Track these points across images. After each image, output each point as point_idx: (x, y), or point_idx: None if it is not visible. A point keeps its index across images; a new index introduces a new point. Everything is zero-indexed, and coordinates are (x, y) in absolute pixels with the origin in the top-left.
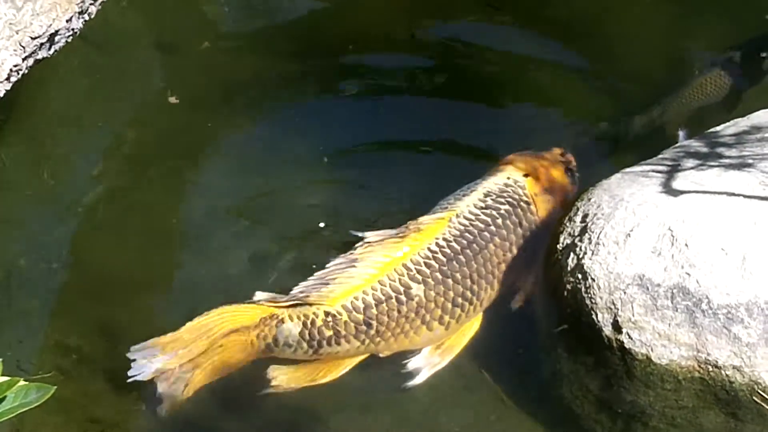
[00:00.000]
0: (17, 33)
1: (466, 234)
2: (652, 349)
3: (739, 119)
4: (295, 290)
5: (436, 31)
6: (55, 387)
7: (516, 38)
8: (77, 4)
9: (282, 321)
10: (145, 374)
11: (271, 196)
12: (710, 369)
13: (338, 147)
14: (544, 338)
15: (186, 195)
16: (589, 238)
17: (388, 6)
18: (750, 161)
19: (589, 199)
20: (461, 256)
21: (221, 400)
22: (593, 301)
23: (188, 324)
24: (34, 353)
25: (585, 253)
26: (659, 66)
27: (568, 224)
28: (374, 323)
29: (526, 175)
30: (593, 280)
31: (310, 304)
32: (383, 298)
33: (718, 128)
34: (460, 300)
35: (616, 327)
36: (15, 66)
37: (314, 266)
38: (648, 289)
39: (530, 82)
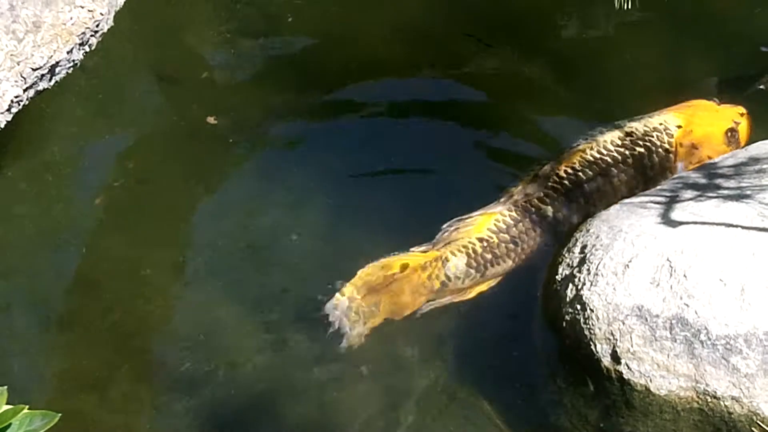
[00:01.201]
0: (18, 64)
1: (593, 167)
2: (650, 380)
3: (737, 150)
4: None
5: (431, 63)
6: (60, 414)
7: (510, 69)
8: (78, 36)
9: (447, 259)
10: (340, 325)
11: (268, 228)
12: (709, 400)
13: (336, 176)
14: (543, 368)
15: (187, 224)
16: (588, 269)
17: (385, 39)
18: (748, 192)
19: (588, 230)
20: (586, 186)
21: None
22: (592, 332)
23: (364, 269)
24: (36, 381)
25: (584, 284)
26: (655, 95)
27: (566, 255)
28: (519, 241)
29: (679, 126)
30: (592, 310)
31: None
32: (519, 218)
33: (716, 159)
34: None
35: (615, 358)
36: (16, 97)
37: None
38: (647, 319)
39: (525, 111)
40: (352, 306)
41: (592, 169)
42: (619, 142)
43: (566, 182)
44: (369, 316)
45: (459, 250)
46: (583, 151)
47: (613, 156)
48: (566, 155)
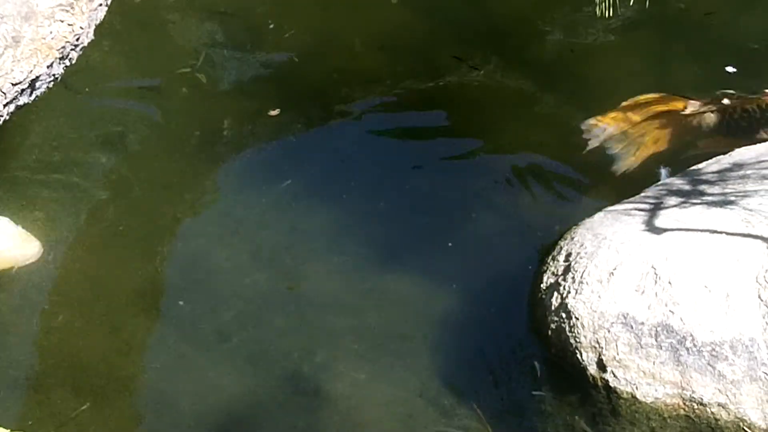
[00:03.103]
0: None
1: None
2: (637, 388)
3: (721, 156)
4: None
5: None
6: None
7: (495, 80)
8: (58, 50)
9: (707, 113)
10: (596, 141)
11: (254, 246)
12: (695, 407)
13: (314, 191)
14: (529, 376)
15: (170, 237)
16: (573, 277)
17: (364, 53)
18: (732, 198)
19: (572, 238)
20: None
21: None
22: (577, 340)
23: (625, 103)
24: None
25: (569, 292)
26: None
27: (551, 263)
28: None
29: None
30: (577, 319)
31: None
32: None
33: (700, 165)
34: None
35: (601, 366)
36: None
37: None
38: (632, 327)
39: (508, 124)
40: (618, 132)
41: None
42: None
43: None
44: (638, 144)
45: (713, 110)
46: None
47: None
48: None
